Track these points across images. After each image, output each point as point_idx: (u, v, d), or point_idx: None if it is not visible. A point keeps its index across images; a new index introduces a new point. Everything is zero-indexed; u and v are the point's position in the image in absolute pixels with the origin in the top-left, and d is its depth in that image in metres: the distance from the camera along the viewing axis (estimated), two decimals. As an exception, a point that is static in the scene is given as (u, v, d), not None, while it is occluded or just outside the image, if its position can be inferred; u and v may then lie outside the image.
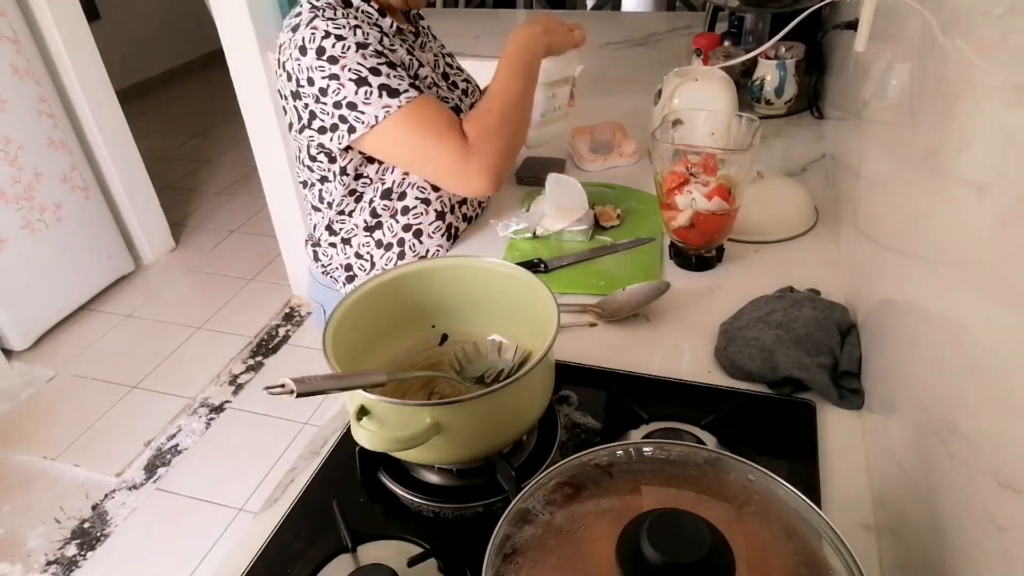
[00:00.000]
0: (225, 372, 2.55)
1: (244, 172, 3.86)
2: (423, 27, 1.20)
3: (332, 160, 1.06)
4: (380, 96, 0.96)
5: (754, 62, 1.49)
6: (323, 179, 1.09)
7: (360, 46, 0.96)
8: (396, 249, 1.14)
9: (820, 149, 1.37)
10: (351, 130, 0.98)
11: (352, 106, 0.97)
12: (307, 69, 0.97)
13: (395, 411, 0.65)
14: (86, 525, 2.01)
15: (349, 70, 0.96)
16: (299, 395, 0.57)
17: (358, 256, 1.16)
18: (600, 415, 0.80)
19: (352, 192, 1.10)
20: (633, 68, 1.93)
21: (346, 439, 0.80)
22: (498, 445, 0.70)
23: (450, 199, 1.15)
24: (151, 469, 2.18)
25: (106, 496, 2.10)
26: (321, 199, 1.13)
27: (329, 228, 1.16)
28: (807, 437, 0.75)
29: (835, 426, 0.77)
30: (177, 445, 2.25)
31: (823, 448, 0.74)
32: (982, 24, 0.53)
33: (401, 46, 1.06)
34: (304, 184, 1.15)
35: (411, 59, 1.06)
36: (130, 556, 1.93)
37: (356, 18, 1.00)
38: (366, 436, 0.63)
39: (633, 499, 0.51)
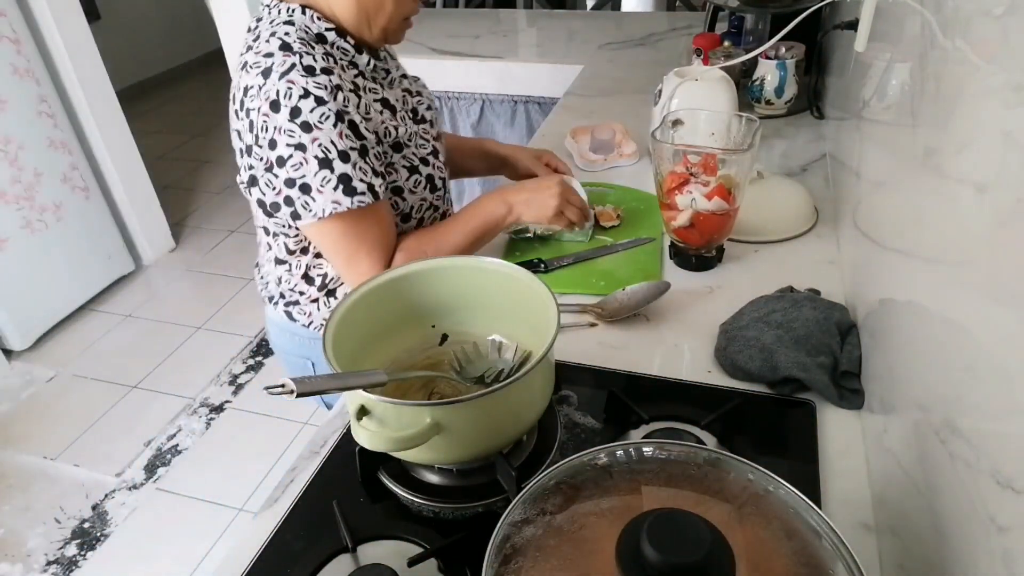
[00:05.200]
0: (225, 372, 2.55)
1: (244, 172, 3.86)
2: (388, 54, 1.11)
3: None
4: (335, 189, 0.89)
5: (754, 62, 1.49)
6: (289, 225, 0.98)
7: (339, 118, 0.88)
8: None
9: (820, 149, 1.37)
10: (295, 216, 0.92)
11: (305, 189, 0.89)
12: (274, 129, 0.88)
13: (395, 411, 0.65)
14: (86, 525, 2.01)
15: (319, 145, 0.88)
16: (299, 395, 0.57)
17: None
18: (600, 415, 0.80)
19: None
20: (633, 68, 1.93)
21: (346, 439, 0.80)
22: (498, 445, 0.70)
23: None
24: (151, 469, 2.18)
25: (106, 496, 2.10)
26: (290, 251, 1.03)
27: (307, 277, 1.06)
28: (807, 437, 0.75)
29: (835, 426, 0.77)
30: (177, 445, 2.25)
31: (823, 448, 0.74)
32: (982, 24, 0.53)
33: (382, 86, 1.01)
34: (266, 231, 1.04)
35: (384, 115, 0.99)
36: (130, 556, 1.92)
37: (332, 57, 0.92)
38: (366, 436, 0.63)
39: (633, 499, 0.51)
